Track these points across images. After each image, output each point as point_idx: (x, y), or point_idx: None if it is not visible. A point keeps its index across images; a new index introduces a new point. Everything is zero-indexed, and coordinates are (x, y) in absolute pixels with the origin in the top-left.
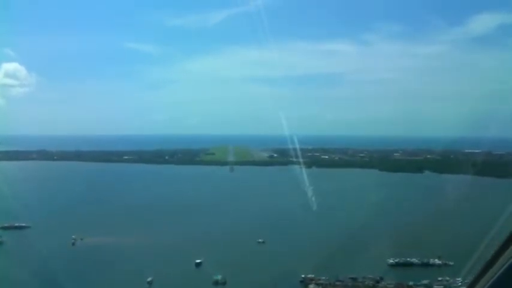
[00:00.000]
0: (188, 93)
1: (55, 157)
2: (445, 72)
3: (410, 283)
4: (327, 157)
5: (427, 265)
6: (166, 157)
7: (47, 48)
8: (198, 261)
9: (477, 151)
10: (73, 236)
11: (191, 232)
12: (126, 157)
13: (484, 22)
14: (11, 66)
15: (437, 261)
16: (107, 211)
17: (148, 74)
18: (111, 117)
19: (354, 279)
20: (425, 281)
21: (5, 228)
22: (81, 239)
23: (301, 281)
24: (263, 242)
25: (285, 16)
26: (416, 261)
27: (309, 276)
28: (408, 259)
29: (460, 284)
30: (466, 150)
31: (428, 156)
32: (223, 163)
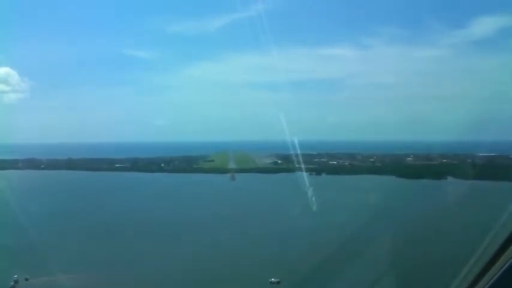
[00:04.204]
0: (188, 99)
1: (42, 166)
2: (448, 75)
3: None
4: (335, 163)
5: None
6: (162, 165)
7: (41, 53)
8: None
9: (492, 154)
10: (15, 276)
11: (178, 265)
12: (118, 165)
13: (486, 24)
14: (3, 71)
15: None
16: (72, 235)
17: (147, 80)
18: (108, 124)
19: None
20: None
21: None
22: (26, 279)
23: None
24: (277, 283)
25: (285, 21)
26: None
27: None
28: None
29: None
30: (481, 154)
31: (444, 160)
32: (224, 171)
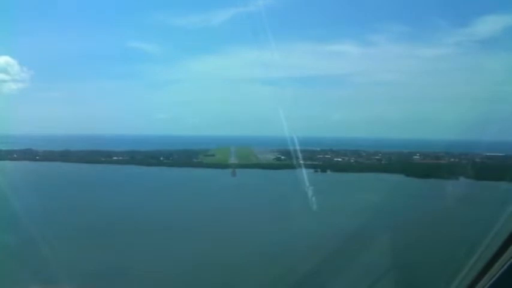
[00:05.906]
0: (190, 93)
1: (37, 157)
2: (452, 74)
3: None
4: (340, 159)
5: None
6: (161, 158)
7: (42, 44)
8: None
9: (500, 154)
10: None
11: (176, 261)
12: (115, 158)
13: (493, 23)
14: (2, 60)
15: None
16: (63, 230)
17: (149, 73)
18: (109, 117)
19: None
20: None
21: None
22: None
23: None
24: None
25: (289, 17)
26: None
27: None
28: None
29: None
30: (487, 154)
31: (451, 159)
32: (225, 166)
